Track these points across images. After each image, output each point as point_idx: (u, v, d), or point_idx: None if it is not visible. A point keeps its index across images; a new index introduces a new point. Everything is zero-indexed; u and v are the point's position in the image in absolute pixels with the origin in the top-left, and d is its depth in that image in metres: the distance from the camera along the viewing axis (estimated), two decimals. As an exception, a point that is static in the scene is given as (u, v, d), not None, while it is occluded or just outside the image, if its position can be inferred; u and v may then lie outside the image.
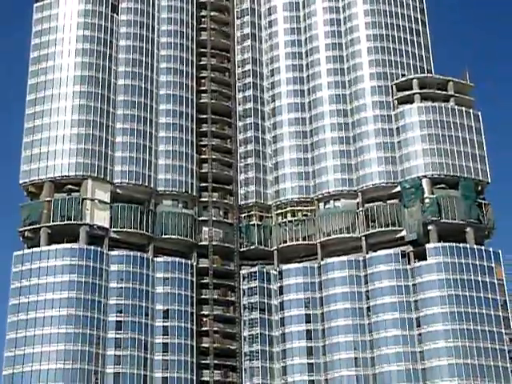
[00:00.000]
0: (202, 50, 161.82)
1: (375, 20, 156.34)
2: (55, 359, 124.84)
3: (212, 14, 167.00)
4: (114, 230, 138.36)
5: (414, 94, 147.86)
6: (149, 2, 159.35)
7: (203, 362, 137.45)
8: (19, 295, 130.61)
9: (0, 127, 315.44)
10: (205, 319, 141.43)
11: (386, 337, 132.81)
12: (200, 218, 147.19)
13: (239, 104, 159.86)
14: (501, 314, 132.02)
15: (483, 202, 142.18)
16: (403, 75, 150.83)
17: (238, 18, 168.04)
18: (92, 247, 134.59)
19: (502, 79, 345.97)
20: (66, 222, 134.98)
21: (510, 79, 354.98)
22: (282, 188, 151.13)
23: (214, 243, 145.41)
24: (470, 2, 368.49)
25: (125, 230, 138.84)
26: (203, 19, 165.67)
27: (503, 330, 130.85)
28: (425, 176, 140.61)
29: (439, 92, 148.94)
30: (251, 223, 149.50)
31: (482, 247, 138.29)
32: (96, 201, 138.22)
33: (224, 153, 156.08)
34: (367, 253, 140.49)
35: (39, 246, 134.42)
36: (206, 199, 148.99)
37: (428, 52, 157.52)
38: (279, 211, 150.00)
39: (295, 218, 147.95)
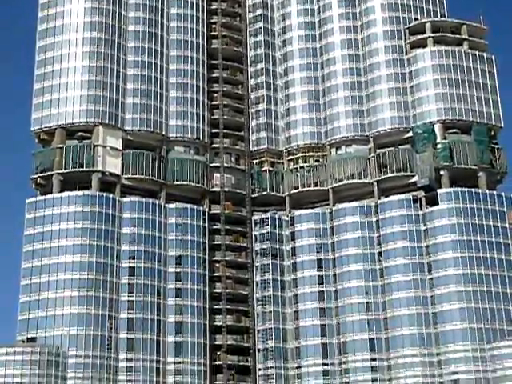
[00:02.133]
0: None
1: None
2: (69, 304, 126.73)
3: None
4: (126, 176, 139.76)
5: (427, 37, 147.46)
6: None
7: (216, 307, 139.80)
8: (33, 242, 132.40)
9: (11, 76, 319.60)
10: (217, 265, 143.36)
11: (397, 281, 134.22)
12: (211, 165, 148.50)
13: (250, 49, 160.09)
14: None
15: (496, 146, 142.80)
16: (416, 19, 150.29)
17: None
18: (104, 194, 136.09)
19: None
20: (78, 169, 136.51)
21: None
22: (294, 134, 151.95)
23: (225, 189, 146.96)
24: None
25: (137, 176, 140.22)
26: None
27: None
28: (437, 121, 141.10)
29: (452, 36, 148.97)
30: (263, 169, 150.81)
31: (494, 192, 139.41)
32: (108, 148, 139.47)
33: (235, 99, 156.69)
34: (379, 198, 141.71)
35: (52, 193, 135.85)
36: (217, 145, 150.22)
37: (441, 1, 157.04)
38: (291, 157, 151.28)
39: (307, 164, 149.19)
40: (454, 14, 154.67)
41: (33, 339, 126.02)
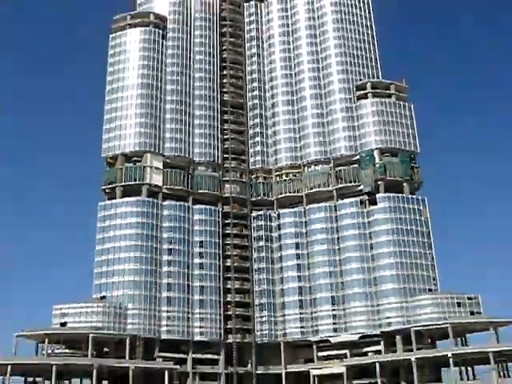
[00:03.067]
0: (224, 64, 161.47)
1: (341, 42, 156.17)
2: (128, 274, 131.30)
3: (230, 39, 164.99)
4: (165, 187, 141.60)
5: (368, 92, 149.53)
6: (188, 39, 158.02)
7: (227, 275, 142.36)
8: (103, 232, 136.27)
9: (84, 119, 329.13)
10: (227, 247, 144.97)
11: (350, 257, 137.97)
12: (223, 179, 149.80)
13: (249, 100, 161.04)
14: (426, 240, 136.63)
15: (414, 165, 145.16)
16: (360, 80, 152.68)
17: (247, 41, 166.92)
18: (151, 199, 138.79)
19: (430, 76, 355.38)
20: (133, 182, 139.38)
21: (435, 76, 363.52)
22: (279, 157, 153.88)
23: (233, 195, 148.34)
24: (413, 30, 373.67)
25: (172, 187, 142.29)
26: (224, 42, 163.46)
27: (427, 251, 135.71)
28: (375, 148, 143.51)
29: (384, 91, 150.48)
30: (258, 181, 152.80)
31: (414, 196, 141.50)
32: (153, 167, 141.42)
33: (239, 133, 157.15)
34: (337, 200, 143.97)
35: (115, 199, 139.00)
36: (227, 165, 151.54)
37: (377, 64, 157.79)
38: (277, 173, 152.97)
39: (288, 178, 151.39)
40: (386, 76, 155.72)
41: (103, 297, 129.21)
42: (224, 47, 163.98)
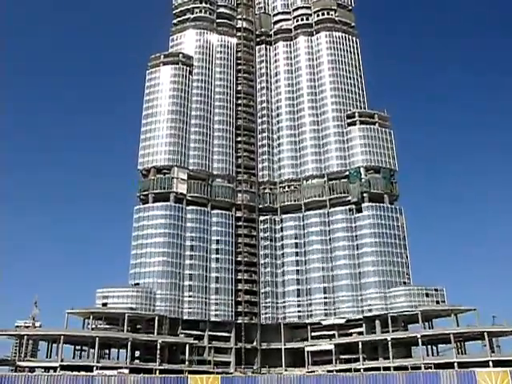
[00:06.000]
0: (238, 95, 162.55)
1: (335, 79, 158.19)
2: (157, 265, 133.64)
3: (244, 75, 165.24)
4: (189, 195, 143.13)
5: (356, 120, 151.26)
6: (210, 75, 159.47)
7: (238, 268, 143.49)
8: (138, 230, 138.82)
9: (125, 138, 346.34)
10: (239, 245, 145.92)
11: (339, 255, 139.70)
12: (237, 189, 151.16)
13: (259, 125, 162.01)
14: (401, 242, 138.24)
15: (393, 181, 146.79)
16: (349, 110, 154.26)
17: (258, 77, 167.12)
18: (177, 204, 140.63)
19: (407, 106, 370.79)
20: (163, 190, 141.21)
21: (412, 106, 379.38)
22: (283, 172, 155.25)
23: (244, 203, 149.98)
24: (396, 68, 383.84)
25: (195, 195, 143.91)
26: (239, 77, 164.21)
27: (402, 251, 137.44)
28: (362, 166, 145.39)
29: (369, 119, 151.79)
30: (265, 191, 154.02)
31: (392, 206, 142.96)
32: (179, 179, 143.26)
33: (250, 152, 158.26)
34: (330, 208, 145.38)
35: (148, 203, 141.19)
36: (240, 178, 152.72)
37: (364, 97, 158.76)
38: (281, 185, 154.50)
39: (290, 189, 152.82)
40: (372, 105, 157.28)
41: (137, 284, 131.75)
42: (239, 81, 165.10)
